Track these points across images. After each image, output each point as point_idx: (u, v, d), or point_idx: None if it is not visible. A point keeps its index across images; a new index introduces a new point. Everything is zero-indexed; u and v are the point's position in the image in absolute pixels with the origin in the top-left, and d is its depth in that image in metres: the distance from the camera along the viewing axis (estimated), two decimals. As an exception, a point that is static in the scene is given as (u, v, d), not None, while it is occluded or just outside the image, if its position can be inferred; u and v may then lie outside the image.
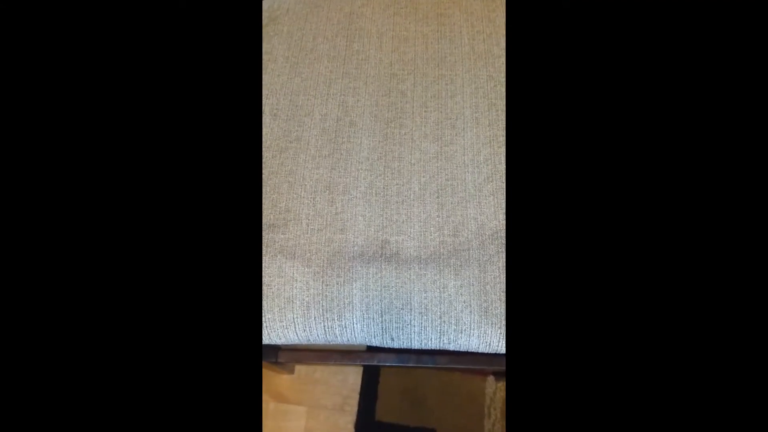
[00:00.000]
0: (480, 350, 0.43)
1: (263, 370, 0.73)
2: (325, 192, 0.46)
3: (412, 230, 0.44)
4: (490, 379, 0.92)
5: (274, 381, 0.94)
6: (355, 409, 0.96)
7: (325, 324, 0.42)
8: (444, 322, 0.42)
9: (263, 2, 0.59)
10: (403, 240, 0.44)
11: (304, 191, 0.46)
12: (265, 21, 0.57)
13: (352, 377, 0.95)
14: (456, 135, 0.49)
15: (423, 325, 0.42)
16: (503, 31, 0.55)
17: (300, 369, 0.95)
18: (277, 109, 0.50)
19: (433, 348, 0.43)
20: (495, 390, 0.98)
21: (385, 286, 0.42)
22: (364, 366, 0.92)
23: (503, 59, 0.53)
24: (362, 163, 0.47)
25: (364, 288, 0.42)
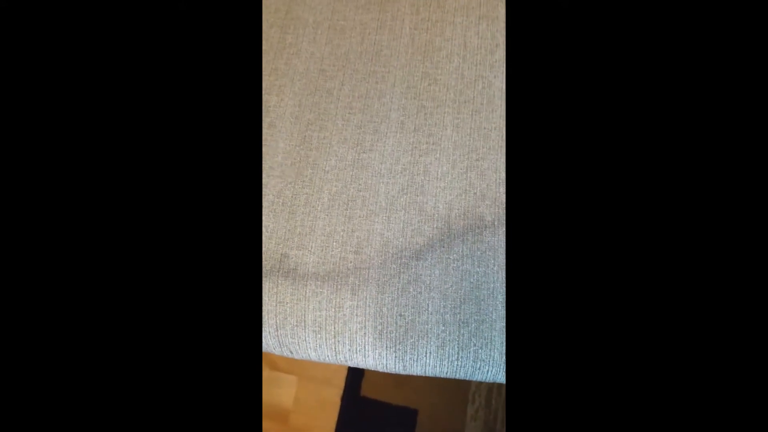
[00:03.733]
0: (378, 369, 0.42)
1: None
2: (234, 199, 0.45)
3: (313, 244, 0.43)
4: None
5: (269, 350, 0.99)
6: (343, 383, 1.00)
7: (223, 334, 0.43)
8: (338, 342, 0.41)
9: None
10: (303, 254, 0.42)
11: (214, 198, 0.45)
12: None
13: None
14: (377, 141, 0.46)
15: (318, 342, 0.41)
16: (451, 18, 0.50)
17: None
18: (199, 108, 0.49)
19: (330, 363, 0.43)
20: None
21: (280, 302, 0.42)
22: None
23: (444, 52, 0.48)
24: (274, 169, 0.46)
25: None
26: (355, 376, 0.99)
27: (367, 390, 1.00)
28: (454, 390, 0.97)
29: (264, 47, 0.51)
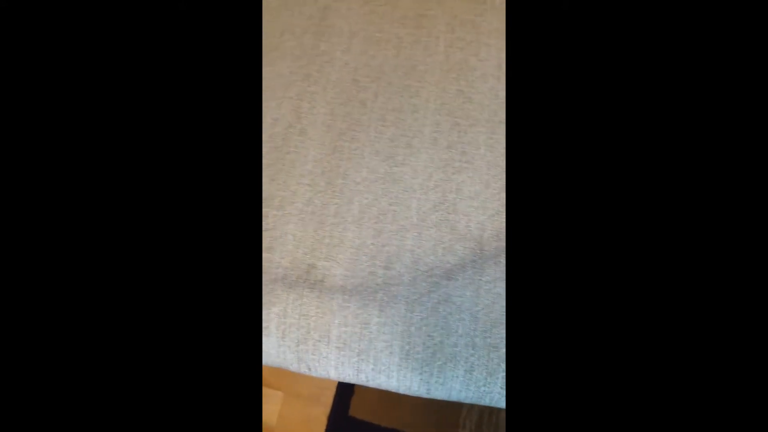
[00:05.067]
0: (400, 392, 0.41)
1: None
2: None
3: (342, 256, 0.41)
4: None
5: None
6: (330, 401, 0.96)
7: (240, 345, 0.41)
8: (362, 360, 0.39)
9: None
10: (330, 266, 0.41)
11: (239, 202, 0.44)
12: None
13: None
14: (410, 155, 0.45)
15: (340, 360, 0.40)
16: (486, 39, 0.50)
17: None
18: (227, 109, 0.48)
19: (351, 382, 0.41)
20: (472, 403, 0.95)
21: (303, 315, 0.40)
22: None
23: (479, 72, 0.48)
24: (304, 176, 0.44)
25: (282, 314, 0.40)
26: (344, 394, 0.96)
27: (355, 410, 0.97)
28: (445, 414, 0.95)
29: (297, 53, 0.50)
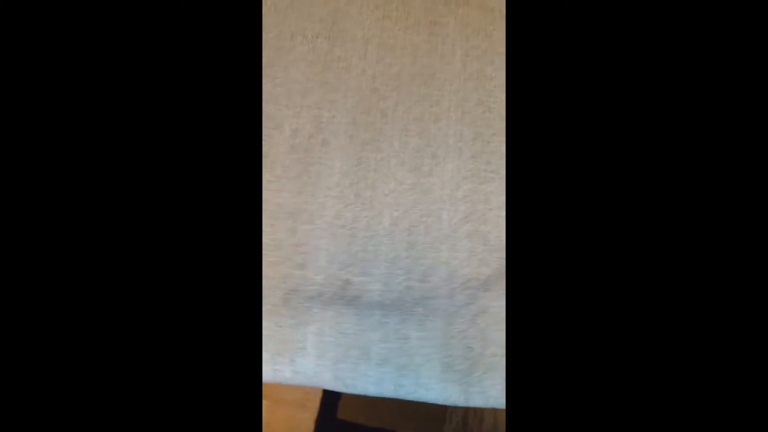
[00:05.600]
0: (438, 402, 0.41)
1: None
2: (287, 220, 0.42)
3: (377, 271, 0.41)
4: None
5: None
6: (317, 405, 0.95)
7: (275, 368, 0.39)
8: (403, 375, 0.39)
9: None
10: (367, 281, 0.40)
11: (265, 218, 0.42)
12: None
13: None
14: (436, 165, 0.45)
15: (379, 377, 0.39)
16: (500, 48, 0.50)
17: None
18: (242, 118, 0.45)
19: (389, 397, 0.41)
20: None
21: (342, 333, 0.39)
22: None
23: (496, 82, 0.49)
24: (332, 189, 0.43)
25: (319, 333, 0.39)
26: (331, 397, 0.95)
27: (343, 412, 0.96)
28: (432, 409, 0.96)
29: (311, 58, 0.49)
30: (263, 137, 0.45)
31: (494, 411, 0.94)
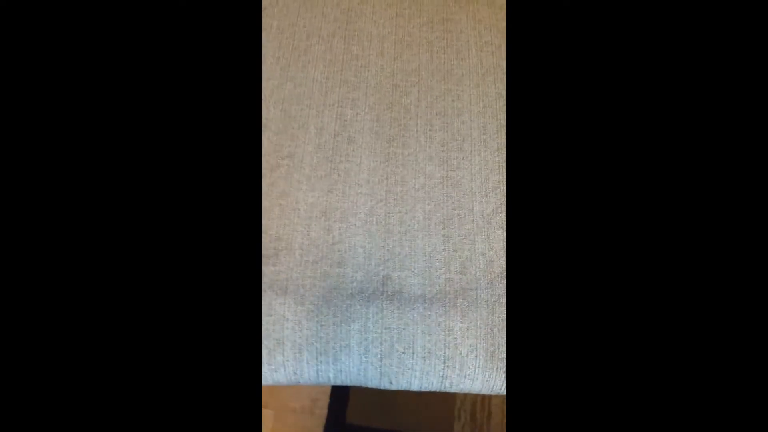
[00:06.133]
0: (482, 392, 0.41)
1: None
2: (320, 218, 0.41)
3: (416, 265, 0.41)
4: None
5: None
6: (325, 411, 0.94)
7: (318, 368, 0.39)
8: (448, 366, 0.39)
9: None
10: (406, 276, 0.40)
11: (298, 217, 0.41)
12: (251, 12, 0.51)
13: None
14: (463, 159, 0.45)
15: (425, 370, 0.39)
16: (512, 44, 0.51)
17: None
18: (266, 119, 0.45)
19: (433, 390, 0.41)
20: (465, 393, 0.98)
21: (386, 328, 0.39)
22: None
23: (512, 75, 0.50)
24: (362, 186, 0.43)
25: (363, 330, 0.39)
26: (339, 402, 0.95)
27: (352, 416, 0.96)
28: (440, 407, 0.97)
29: (329, 57, 0.48)
30: (289, 137, 0.44)
31: (501, 406, 0.95)
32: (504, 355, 0.39)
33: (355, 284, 0.40)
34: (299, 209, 0.42)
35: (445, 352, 0.39)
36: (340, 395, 0.94)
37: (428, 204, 0.43)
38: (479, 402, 0.98)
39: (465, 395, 0.99)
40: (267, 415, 0.94)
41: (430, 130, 0.46)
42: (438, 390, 0.41)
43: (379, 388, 0.41)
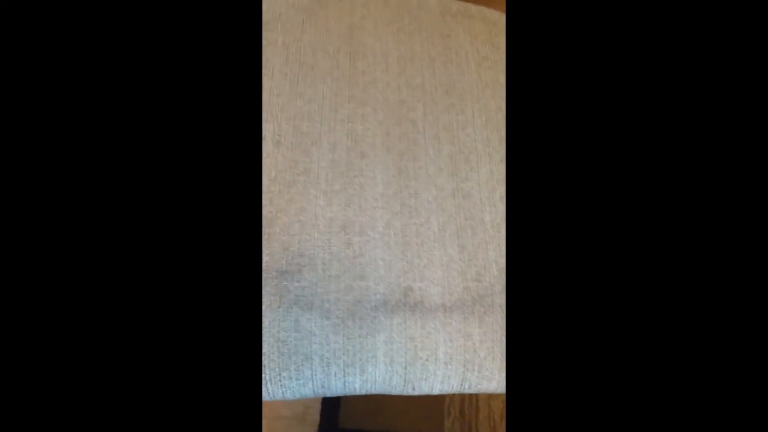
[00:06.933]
0: (497, 392, 0.43)
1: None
2: (340, 233, 0.42)
3: (434, 275, 0.42)
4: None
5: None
6: (317, 418, 0.94)
7: (346, 379, 0.40)
8: (468, 370, 0.41)
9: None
10: (426, 286, 0.42)
11: (318, 232, 0.42)
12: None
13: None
14: (471, 170, 0.47)
15: (446, 374, 0.41)
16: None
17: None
18: (279, 135, 0.45)
19: (453, 393, 0.43)
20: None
21: (410, 338, 0.40)
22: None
23: (510, 89, 0.52)
24: (377, 199, 0.44)
25: (388, 340, 0.40)
26: (331, 407, 0.95)
27: (344, 421, 0.97)
28: (431, 406, 0.99)
29: (336, 73, 0.49)
30: (303, 153, 0.45)
31: (488, 401, 0.98)
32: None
33: (378, 296, 0.41)
34: (318, 224, 0.43)
35: (465, 357, 0.41)
36: (332, 400, 0.94)
37: (441, 216, 0.45)
38: (467, 399, 1.01)
39: (452, 394, 1.01)
40: (258, 425, 0.93)
41: (438, 143, 0.48)
42: (457, 392, 0.43)
43: (402, 394, 0.42)
